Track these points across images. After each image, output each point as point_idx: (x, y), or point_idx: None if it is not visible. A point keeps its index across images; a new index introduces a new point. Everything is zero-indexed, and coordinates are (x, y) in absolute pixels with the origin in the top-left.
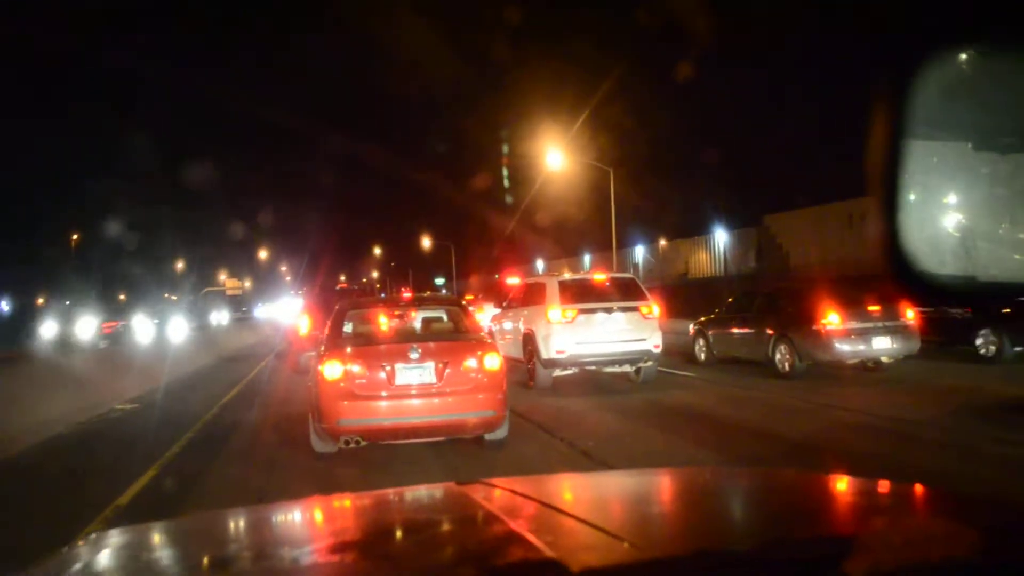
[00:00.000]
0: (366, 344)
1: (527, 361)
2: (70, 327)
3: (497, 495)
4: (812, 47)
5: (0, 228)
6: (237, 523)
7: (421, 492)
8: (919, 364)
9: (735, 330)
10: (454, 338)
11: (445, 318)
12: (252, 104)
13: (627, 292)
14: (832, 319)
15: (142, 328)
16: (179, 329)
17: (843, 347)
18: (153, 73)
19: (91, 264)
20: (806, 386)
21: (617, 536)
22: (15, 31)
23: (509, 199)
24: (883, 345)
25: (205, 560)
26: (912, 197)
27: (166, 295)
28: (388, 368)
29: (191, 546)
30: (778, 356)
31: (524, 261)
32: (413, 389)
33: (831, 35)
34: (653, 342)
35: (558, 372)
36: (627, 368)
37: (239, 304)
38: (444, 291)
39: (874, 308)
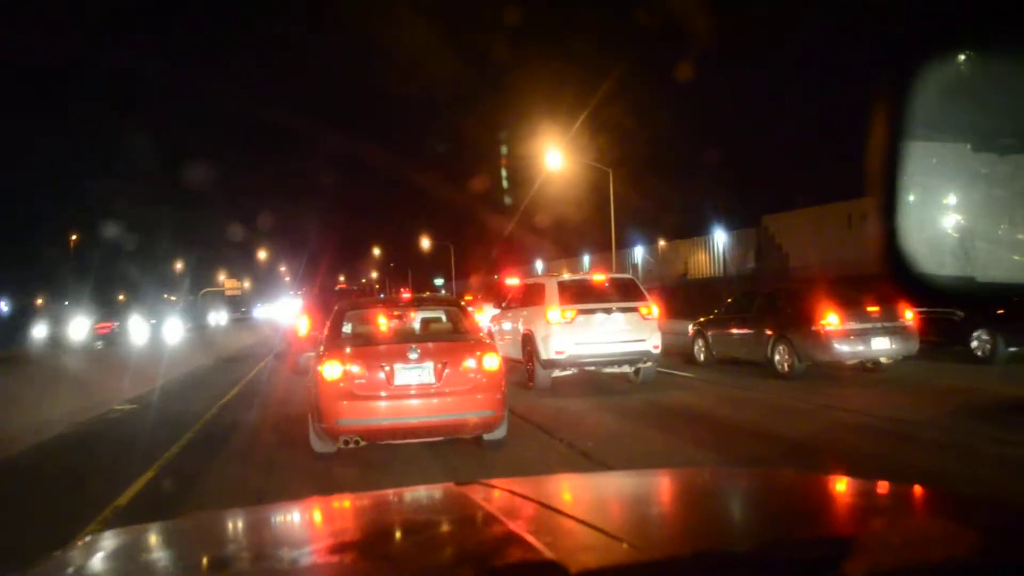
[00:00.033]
0: (365, 344)
1: (526, 362)
2: (62, 328)
3: (496, 496)
4: (812, 47)
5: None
6: (236, 524)
7: (420, 493)
8: (918, 365)
9: (734, 331)
10: (453, 338)
11: (444, 319)
12: (252, 104)
13: (626, 293)
14: (831, 320)
15: (137, 329)
16: (175, 330)
17: (842, 348)
18: (153, 73)
19: (90, 265)
20: (805, 387)
21: (616, 537)
22: (15, 31)
23: (508, 200)
24: (882, 346)
25: (204, 561)
26: (911, 198)
27: (165, 296)
28: (387, 368)
29: (190, 547)
30: (777, 357)
31: (523, 262)
32: (412, 389)
33: (831, 35)
34: (652, 343)
35: (557, 373)
36: (626, 369)
37: (238, 305)
38: (443, 291)
39: (873, 309)
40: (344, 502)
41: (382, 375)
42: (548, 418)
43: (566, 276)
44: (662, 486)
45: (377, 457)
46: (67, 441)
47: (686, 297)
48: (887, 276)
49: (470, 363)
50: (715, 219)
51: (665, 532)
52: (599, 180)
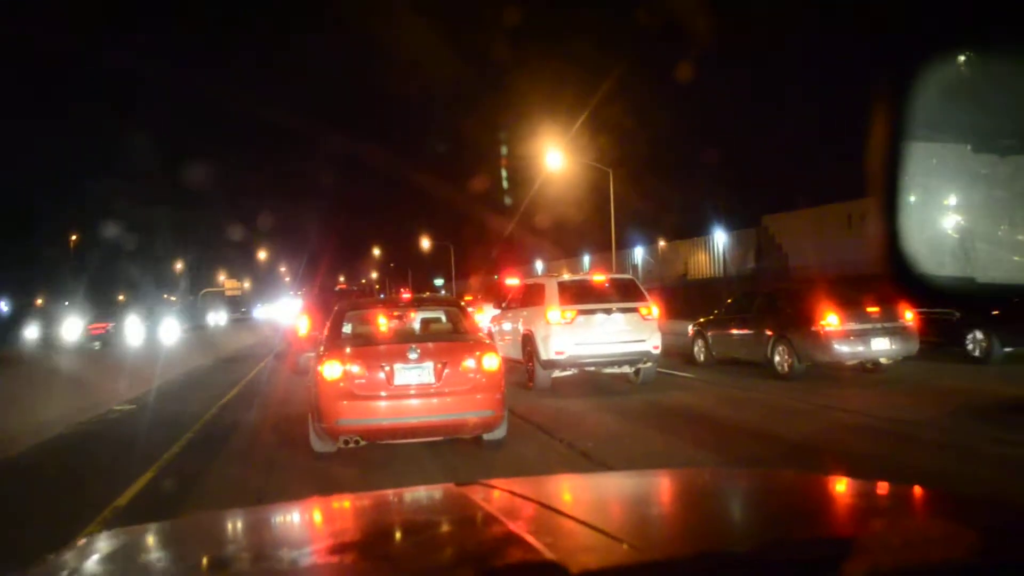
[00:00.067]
0: (365, 344)
1: (526, 362)
2: (56, 328)
3: (496, 496)
4: (812, 47)
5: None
6: (236, 524)
7: (420, 493)
8: (918, 365)
9: (734, 331)
10: (453, 339)
11: (444, 319)
12: (252, 104)
13: (626, 293)
14: (831, 320)
15: (133, 329)
16: (171, 330)
17: (842, 348)
18: (153, 73)
19: (90, 264)
20: (805, 387)
21: (616, 537)
22: (15, 31)
23: (508, 200)
24: (882, 346)
25: (204, 561)
26: (912, 198)
27: (165, 296)
28: (387, 368)
29: (190, 547)
30: (777, 357)
31: (523, 262)
32: (412, 389)
33: (831, 35)
34: (652, 343)
35: (557, 373)
36: (626, 369)
37: (238, 305)
38: (443, 292)
39: (873, 309)
40: (344, 502)
41: (382, 375)
42: (548, 418)
43: (566, 276)
44: (662, 486)
45: (377, 457)
46: (66, 441)
47: (686, 297)
48: (887, 277)
49: (470, 363)
50: (715, 219)
51: (665, 533)
52: (599, 180)
